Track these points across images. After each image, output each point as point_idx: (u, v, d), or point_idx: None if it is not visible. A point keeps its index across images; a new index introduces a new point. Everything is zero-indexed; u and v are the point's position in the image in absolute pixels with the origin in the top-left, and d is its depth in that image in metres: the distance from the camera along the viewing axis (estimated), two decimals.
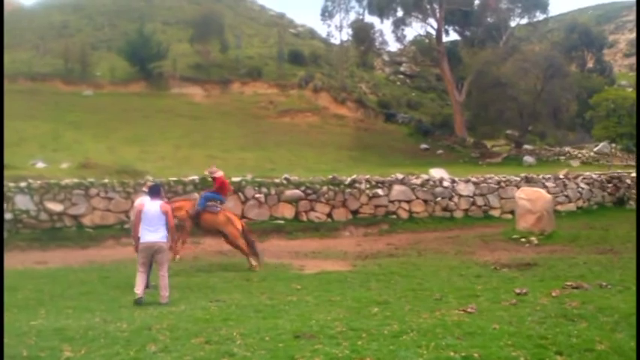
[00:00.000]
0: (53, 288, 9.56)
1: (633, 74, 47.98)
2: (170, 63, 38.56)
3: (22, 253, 13.77)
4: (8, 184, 15.11)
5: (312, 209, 17.73)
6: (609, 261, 11.10)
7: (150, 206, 8.50)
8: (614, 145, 31.11)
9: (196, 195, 14.18)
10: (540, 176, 20.86)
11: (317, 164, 24.40)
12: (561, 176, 21.17)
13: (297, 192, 17.62)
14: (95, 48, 40.35)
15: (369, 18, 40.43)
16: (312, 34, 52.39)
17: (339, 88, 39.64)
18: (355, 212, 18.07)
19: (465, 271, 10.83)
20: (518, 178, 20.19)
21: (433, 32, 38.27)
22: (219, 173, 12.94)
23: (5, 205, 14.84)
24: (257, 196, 17.22)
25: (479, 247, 14.43)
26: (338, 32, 47.14)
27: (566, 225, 16.97)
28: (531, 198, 15.57)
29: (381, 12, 38.05)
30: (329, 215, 17.83)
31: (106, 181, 16.28)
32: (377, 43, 40.83)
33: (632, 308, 6.69)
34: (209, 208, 12.37)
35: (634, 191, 20.58)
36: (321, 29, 47.98)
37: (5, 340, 5.85)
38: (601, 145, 31.46)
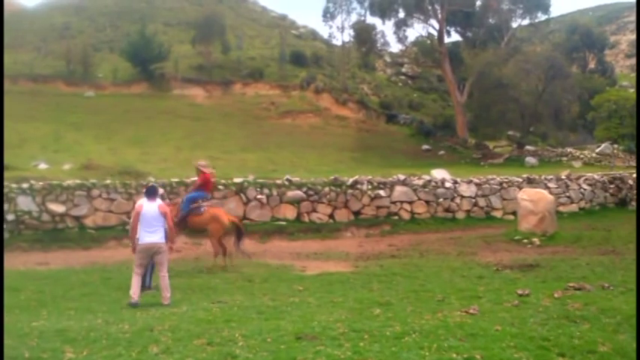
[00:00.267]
0: (55, 289, 9.56)
1: (635, 75, 47.87)
2: (172, 64, 38.62)
3: (24, 254, 13.77)
4: (10, 185, 15.11)
5: (314, 210, 17.72)
6: (612, 262, 11.08)
7: (148, 207, 8.47)
8: (616, 145, 31.09)
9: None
10: (542, 177, 20.84)
11: (319, 165, 24.41)
12: (563, 177, 21.14)
13: (298, 193, 17.61)
14: (97, 49, 40.44)
15: (371, 19, 40.52)
16: (313, 35, 52.42)
17: (341, 89, 39.66)
18: (357, 213, 18.06)
19: (467, 273, 10.81)
20: (520, 179, 20.16)
21: (435, 33, 38.26)
22: (208, 170, 12.86)
23: (7, 206, 14.84)
24: (259, 197, 17.21)
25: (481, 248, 14.39)
26: (340, 33, 47.31)
27: (569, 226, 16.94)
28: (533, 199, 15.54)
29: (383, 13, 38.05)
30: (331, 216, 17.82)
31: (108, 182, 16.28)
32: (378, 44, 40.82)
33: (635, 309, 6.68)
34: (193, 210, 12.21)
35: (636, 192, 20.54)
36: (323, 30, 48.22)
37: (7, 341, 5.86)
38: (603, 145, 31.41)
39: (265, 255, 14.16)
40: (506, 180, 19.97)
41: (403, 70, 46.74)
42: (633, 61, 55.75)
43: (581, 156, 31.25)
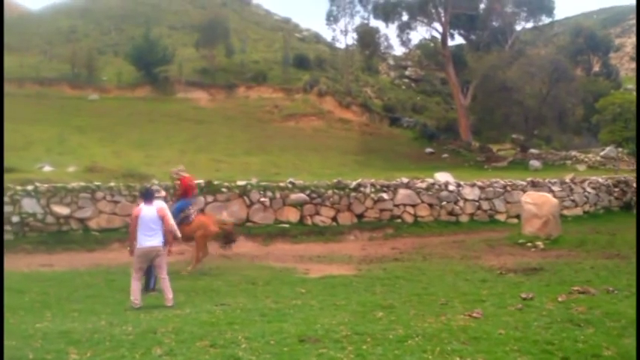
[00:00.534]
0: (59, 291, 9.58)
1: None
2: (176, 67, 38.74)
3: (29, 255, 13.80)
4: (15, 188, 15.17)
5: (317, 213, 17.70)
6: (616, 266, 11.04)
7: (147, 211, 8.47)
8: (620, 149, 30.97)
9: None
10: (546, 180, 20.77)
11: (322, 168, 24.42)
12: (567, 180, 21.07)
13: (302, 196, 17.61)
14: (102, 52, 40.62)
15: (374, 22, 40.64)
16: (317, 38, 52.52)
17: (344, 92, 39.70)
18: (360, 216, 18.03)
19: (470, 276, 10.78)
20: (524, 183, 20.11)
21: (438, 36, 38.30)
22: (185, 174, 12.80)
23: (12, 208, 14.90)
24: (262, 199, 17.21)
25: (484, 251, 14.35)
26: (343, 36, 47.29)
27: (573, 230, 16.88)
28: (537, 202, 15.49)
29: (386, 16, 38.09)
30: (334, 219, 17.80)
31: (112, 184, 16.32)
32: (382, 48, 40.83)
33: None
34: (183, 221, 11.93)
35: (636, 193, 20.45)
36: (327, 34, 48.15)
37: (11, 342, 5.89)
38: (607, 149, 31.31)
39: (268, 258, 14.16)
40: (510, 183, 19.91)
41: (406, 73, 46.74)
42: None
43: (586, 159, 31.15)
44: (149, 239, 8.35)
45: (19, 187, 15.21)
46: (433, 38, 39.20)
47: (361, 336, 6.32)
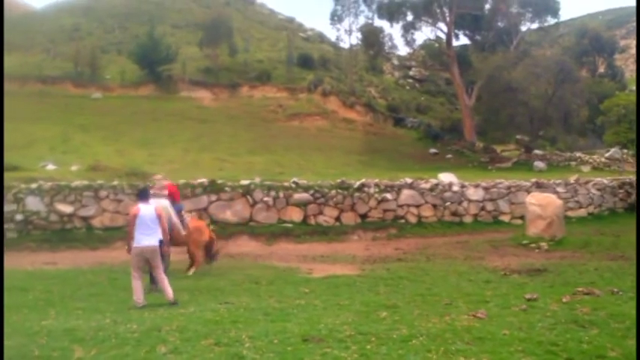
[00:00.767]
0: (63, 289, 9.60)
1: None
2: (179, 66, 38.76)
3: (33, 253, 13.84)
4: (19, 186, 15.22)
5: (321, 213, 17.70)
6: (620, 267, 11.01)
7: (145, 210, 8.46)
8: (625, 150, 30.89)
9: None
10: (551, 181, 20.72)
11: (326, 168, 24.41)
12: (572, 182, 21.01)
13: (305, 195, 17.61)
14: (105, 51, 40.67)
15: (379, 22, 40.47)
16: (321, 38, 52.51)
17: (348, 92, 39.68)
18: (364, 216, 18.02)
19: (474, 277, 10.76)
20: (529, 184, 20.06)
21: (443, 36, 38.22)
22: (166, 181, 12.68)
23: (16, 206, 14.95)
24: (265, 199, 17.22)
25: (488, 252, 14.32)
26: (347, 36, 47.25)
27: (577, 231, 16.83)
28: (542, 203, 15.45)
29: (391, 16, 38.03)
30: (337, 219, 17.79)
31: (116, 183, 16.35)
32: (386, 47, 40.77)
33: None
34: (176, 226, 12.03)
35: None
36: (331, 33, 48.10)
37: (17, 340, 5.92)
38: (612, 150, 31.22)
39: (271, 257, 14.16)
40: (514, 184, 19.87)
41: (411, 73, 46.70)
42: None
43: (590, 160, 31.05)
44: (146, 238, 8.35)
45: (22, 186, 15.26)
46: (438, 38, 39.13)
47: (365, 336, 6.31)
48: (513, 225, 18.57)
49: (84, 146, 25.51)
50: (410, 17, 38.01)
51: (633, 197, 21.22)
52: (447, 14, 36.97)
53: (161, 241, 8.62)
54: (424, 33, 42.47)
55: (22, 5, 57.83)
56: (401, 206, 18.39)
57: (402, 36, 39.32)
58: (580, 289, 8.44)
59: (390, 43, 40.42)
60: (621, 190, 21.38)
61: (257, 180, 17.91)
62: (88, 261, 12.64)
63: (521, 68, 32.77)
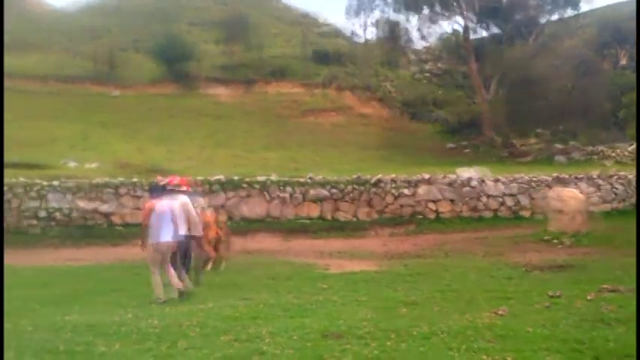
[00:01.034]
0: (86, 284, 9.73)
1: None
2: (196, 63, 38.90)
3: (56, 250, 14.06)
4: (42, 183, 15.46)
5: (337, 209, 17.69)
6: None
7: (160, 206, 8.50)
8: None
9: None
10: (572, 176, 20.41)
11: (341, 164, 24.34)
12: (594, 176, 20.68)
13: (321, 191, 17.61)
14: (123, 49, 40.93)
15: (395, 16, 40.21)
16: (336, 32, 52.18)
17: (364, 87, 39.46)
18: (381, 212, 17.96)
19: (494, 273, 10.69)
20: (550, 178, 19.79)
21: (460, 29, 37.86)
22: (176, 179, 12.67)
23: (39, 203, 15.20)
24: (282, 195, 17.26)
25: (509, 248, 14.21)
26: (362, 31, 46.91)
27: (601, 226, 16.54)
28: (563, 198, 15.27)
29: (407, 10, 37.77)
30: (354, 215, 17.77)
31: (135, 180, 16.50)
32: (402, 41, 40.51)
33: None
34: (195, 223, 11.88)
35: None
36: (346, 28, 48.13)
37: (42, 335, 6.01)
38: (635, 144, 30.64)
39: (289, 253, 14.21)
40: (534, 179, 19.62)
41: (427, 67, 46.18)
42: None
43: (613, 154, 30.53)
44: (162, 234, 8.39)
45: (45, 183, 15.48)
46: (455, 32, 38.78)
47: (385, 332, 6.28)
48: (534, 220, 18.33)
49: (103, 143, 25.76)
50: (426, 10, 37.71)
51: None
52: (464, 7, 36.60)
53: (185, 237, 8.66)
54: (441, 26, 41.97)
55: (42, 4, 58.48)
56: (419, 202, 18.29)
57: (419, 30, 39.10)
58: (605, 286, 8.29)
59: (406, 37, 40.18)
60: None
61: (273, 176, 17.94)
62: (109, 257, 12.79)
63: (541, 61, 32.34)
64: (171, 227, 8.46)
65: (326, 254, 13.97)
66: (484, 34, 40.71)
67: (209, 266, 11.70)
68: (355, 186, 17.93)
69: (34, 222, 15.11)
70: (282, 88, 39.09)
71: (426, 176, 18.82)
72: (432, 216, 18.30)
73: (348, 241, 16.12)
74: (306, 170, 19.65)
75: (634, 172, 22.18)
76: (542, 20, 38.91)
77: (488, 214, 18.81)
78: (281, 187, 17.35)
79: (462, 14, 36.84)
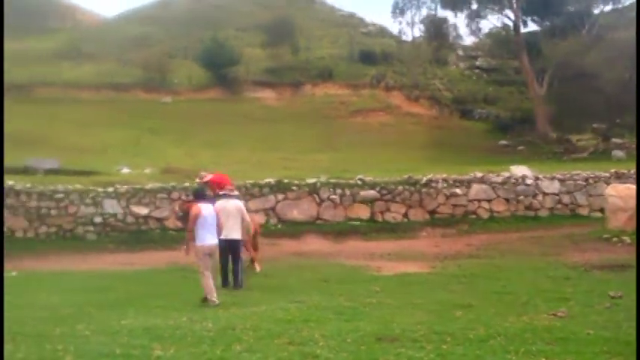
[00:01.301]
0: (141, 288, 9.95)
1: None
2: (243, 68, 39.45)
3: (111, 254, 14.44)
4: (97, 189, 15.92)
5: (388, 210, 17.52)
6: None
7: (207, 210, 8.65)
8: None
9: None
10: (631, 172, 19.54)
11: (391, 164, 24.15)
12: None
13: (372, 192, 17.49)
14: (172, 56, 41.98)
15: (442, 12, 39.72)
16: (383, 32, 51.93)
17: (412, 85, 39.12)
18: (432, 212, 17.68)
19: (552, 273, 10.41)
20: (608, 174, 19.02)
21: (510, 23, 37.01)
22: (209, 176, 12.78)
23: (94, 209, 15.64)
24: (332, 197, 17.23)
25: (566, 247, 13.76)
26: (410, 29, 46.40)
27: None
28: (623, 195, 14.66)
29: (455, 5, 37.24)
30: (405, 215, 17.56)
31: (187, 184, 16.79)
32: (451, 38, 39.92)
33: None
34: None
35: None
36: (393, 27, 47.73)
37: (99, 338, 6.14)
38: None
39: (340, 255, 14.17)
40: (592, 175, 18.90)
41: (477, 63, 45.30)
42: None
43: None
44: (210, 237, 8.55)
45: (100, 189, 15.95)
46: (505, 26, 37.94)
47: (440, 335, 6.19)
48: (592, 218, 17.69)
49: (155, 149, 26.43)
50: (475, 5, 37.07)
51: None
52: (514, 0, 35.75)
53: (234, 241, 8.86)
54: (490, 21, 41.10)
55: (95, 15, 60.73)
56: (471, 201, 17.91)
57: (467, 25, 38.52)
58: None
59: (454, 34, 39.62)
60: None
61: (323, 178, 17.96)
62: (163, 261, 13.04)
63: (595, 53, 31.25)
64: (216, 230, 8.66)
65: (377, 256, 13.87)
66: (535, 27, 39.65)
67: (257, 266, 11.81)
68: (406, 186, 17.73)
69: (90, 228, 15.57)
70: (330, 90, 39.20)
71: (479, 175, 18.42)
72: (486, 215, 17.89)
73: (400, 242, 15.94)
74: (355, 171, 19.59)
75: None
76: (596, 11, 37.57)
77: (544, 213, 18.25)
78: (331, 189, 17.34)
79: (511, 8, 35.97)
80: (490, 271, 10.92)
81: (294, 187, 17.18)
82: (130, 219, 15.92)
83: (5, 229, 14.80)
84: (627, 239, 13.76)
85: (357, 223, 17.09)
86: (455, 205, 17.82)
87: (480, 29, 39.00)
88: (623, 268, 10.29)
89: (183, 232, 15.37)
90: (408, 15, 42.64)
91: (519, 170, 19.32)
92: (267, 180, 17.38)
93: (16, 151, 21.35)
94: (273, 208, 16.90)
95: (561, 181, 18.61)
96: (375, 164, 23.68)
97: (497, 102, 39.36)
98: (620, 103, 30.77)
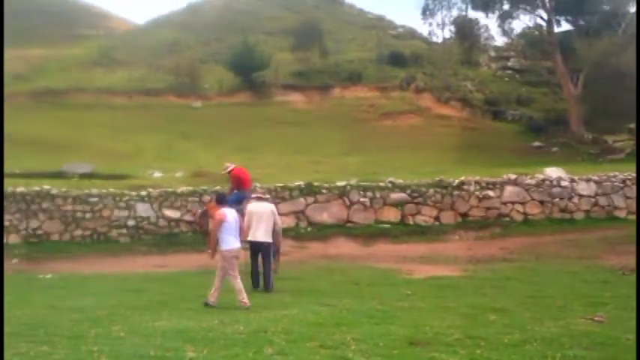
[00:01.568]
0: (173, 290, 10.06)
1: None
2: (272, 72, 39.66)
3: (144, 257, 14.63)
4: (130, 193, 16.16)
5: (419, 212, 17.34)
6: None
7: (230, 215, 8.75)
8: None
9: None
10: None
11: (421, 166, 23.92)
12: None
13: (402, 195, 17.33)
14: (203, 62, 42.41)
15: (473, 13, 39.24)
16: (412, 34, 51.60)
17: (443, 87, 38.70)
18: (464, 215, 17.43)
19: (589, 277, 10.21)
20: None
21: (543, 23, 36.34)
22: (232, 166, 12.81)
23: (127, 213, 15.87)
24: (362, 200, 17.14)
25: (603, 250, 13.44)
26: (440, 30, 45.90)
27: None
28: None
29: (486, 6, 36.70)
30: (436, 218, 17.34)
31: (218, 188, 16.92)
32: (482, 39, 39.37)
33: None
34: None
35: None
36: (423, 29, 47.50)
37: (134, 340, 6.22)
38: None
39: (370, 258, 14.11)
40: (629, 177, 18.36)
41: (509, 64, 44.55)
42: None
43: None
44: (235, 241, 8.65)
45: (133, 193, 16.19)
46: (537, 26, 37.26)
47: (474, 340, 6.10)
48: (630, 221, 17.17)
49: (186, 153, 26.73)
50: (506, 6, 36.48)
51: None
52: (547, 0, 35.13)
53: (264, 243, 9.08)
54: (522, 21, 40.43)
55: (127, 22, 61.88)
56: (505, 204, 17.58)
57: (499, 26, 37.80)
58: None
59: (485, 34, 39.04)
60: None
61: (353, 181, 17.88)
62: (194, 263, 13.17)
63: (631, 52, 30.42)
64: (238, 234, 8.77)
65: (408, 259, 13.77)
66: (568, 27, 38.88)
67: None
68: (437, 189, 17.52)
69: (124, 231, 15.80)
70: (359, 93, 39.07)
71: (512, 177, 18.10)
72: (520, 218, 17.56)
73: (431, 245, 15.78)
74: (385, 174, 19.46)
75: None
76: (632, 9, 36.60)
77: (580, 215, 17.83)
78: (361, 192, 17.25)
79: (544, 7, 35.35)
80: (525, 274, 10.75)
81: (323, 190, 17.14)
82: (162, 222, 16.11)
83: (41, 233, 15.20)
84: None
85: (387, 226, 16.96)
86: (487, 208, 17.53)
87: (511, 30, 38.36)
88: None
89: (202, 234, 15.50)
90: (438, 16, 42.24)
91: (554, 172, 18.92)
92: (296, 183, 17.39)
93: (52, 157, 21.96)
94: (302, 212, 16.89)
95: (597, 182, 18.17)
96: (405, 167, 23.49)
97: (530, 103, 38.67)
98: None
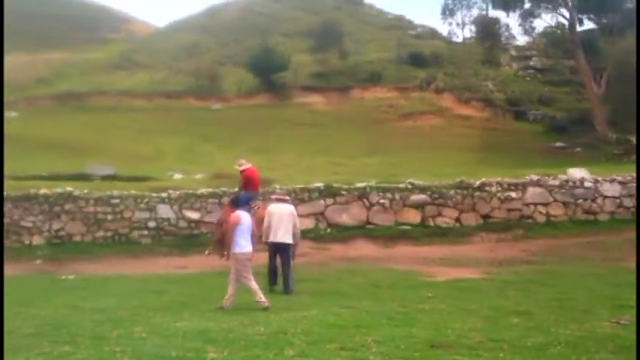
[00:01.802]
0: (194, 291, 10.11)
1: None
2: (291, 73, 39.74)
3: (165, 258, 14.74)
4: (151, 195, 16.30)
5: (439, 214, 17.18)
6: None
7: (245, 218, 8.76)
8: None
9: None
10: None
11: (442, 167, 23.76)
12: None
13: (422, 197, 17.19)
14: (222, 64, 42.70)
15: (493, 12, 38.88)
16: (432, 34, 51.29)
17: (463, 87, 38.40)
18: (486, 217, 17.23)
19: (614, 279, 10.03)
20: None
21: (565, 22, 35.87)
22: (246, 165, 12.79)
23: (149, 214, 16.00)
24: (382, 201, 17.05)
25: (629, 252, 13.08)
26: (460, 30, 45.65)
27: None
28: None
29: (507, 5, 36.36)
30: (457, 220, 17.17)
31: (237, 189, 16.98)
32: (503, 38, 38.99)
33: None
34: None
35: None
36: (443, 28, 47.13)
37: (155, 340, 6.26)
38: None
39: (390, 260, 14.01)
40: None
41: (531, 63, 44.06)
42: None
43: None
44: (248, 244, 8.65)
45: (154, 195, 16.32)
46: (559, 25, 36.80)
47: (497, 343, 6.02)
48: None
49: (206, 155, 26.92)
50: (527, 4, 36.09)
51: None
52: None
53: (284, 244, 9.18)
54: (544, 20, 39.97)
55: (147, 25, 62.59)
56: (527, 205, 17.34)
57: (520, 25, 37.46)
58: None
59: (506, 34, 38.69)
60: None
61: (372, 182, 17.80)
62: (214, 265, 13.19)
63: None
64: (250, 236, 8.76)
65: (429, 261, 13.65)
66: (591, 25, 38.31)
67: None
68: (458, 190, 17.35)
69: (145, 232, 15.92)
70: (379, 93, 38.97)
71: (535, 178, 17.84)
72: (542, 220, 17.30)
73: (452, 247, 15.63)
74: (405, 175, 19.34)
75: None
76: None
77: (604, 217, 17.52)
78: (380, 193, 17.16)
79: (566, 6, 34.86)
80: (548, 277, 10.59)
81: (343, 192, 17.09)
82: (182, 223, 16.21)
83: (64, 234, 15.38)
84: None
85: (408, 227, 16.83)
86: (510, 210, 17.31)
87: (533, 29, 37.98)
88: None
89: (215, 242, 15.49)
90: (459, 16, 42.03)
91: (577, 173, 18.60)
92: (316, 184, 17.37)
93: (74, 159, 22.29)
94: (322, 213, 16.86)
95: (622, 183, 17.83)
96: (425, 168, 23.36)
97: (552, 103, 38.15)
98: None
